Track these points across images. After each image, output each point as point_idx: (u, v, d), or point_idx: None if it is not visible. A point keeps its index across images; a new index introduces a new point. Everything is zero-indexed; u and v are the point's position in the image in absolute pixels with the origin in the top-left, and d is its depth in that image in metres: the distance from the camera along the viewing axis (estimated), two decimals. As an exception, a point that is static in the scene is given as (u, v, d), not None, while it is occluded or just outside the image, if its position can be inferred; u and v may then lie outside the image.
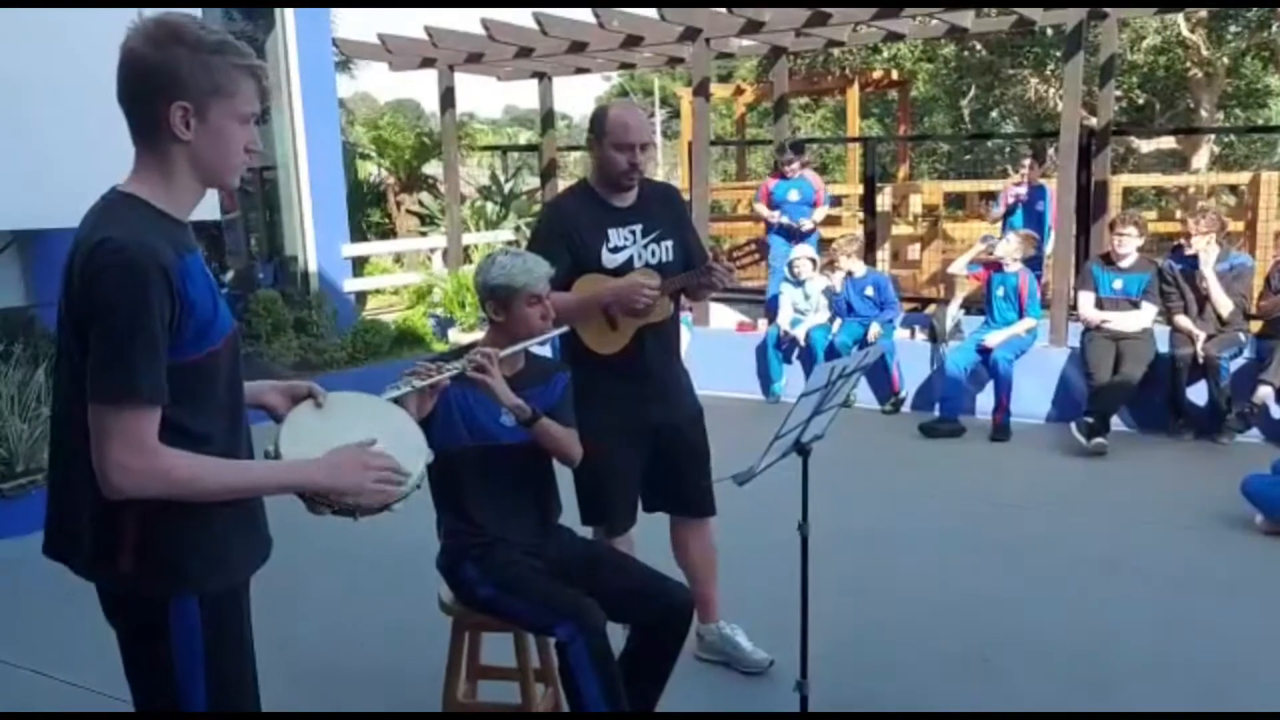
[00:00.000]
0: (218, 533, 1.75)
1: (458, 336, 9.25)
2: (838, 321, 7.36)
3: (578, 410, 2.84)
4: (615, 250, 3.12)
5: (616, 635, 2.70)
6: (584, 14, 8.53)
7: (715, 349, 7.72)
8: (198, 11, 6.25)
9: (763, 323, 8.04)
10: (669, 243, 3.21)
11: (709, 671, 3.45)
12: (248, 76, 1.74)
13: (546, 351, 3.10)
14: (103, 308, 1.61)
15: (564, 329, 2.81)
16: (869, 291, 7.29)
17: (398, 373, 2.37)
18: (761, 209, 8.79)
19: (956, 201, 13.57)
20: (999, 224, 8.28)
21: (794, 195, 8.47)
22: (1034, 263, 7.11)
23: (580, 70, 10.45)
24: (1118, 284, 6.36)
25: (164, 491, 1.65)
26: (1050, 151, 8.73)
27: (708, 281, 3.13)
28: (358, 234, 12.03)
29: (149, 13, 1.72)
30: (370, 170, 15.50)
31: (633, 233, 3.15)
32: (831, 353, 7.02)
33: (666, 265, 3.19)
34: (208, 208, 6.54)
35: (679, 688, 2.80)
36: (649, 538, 3.36)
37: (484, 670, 3.01)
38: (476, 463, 2.68)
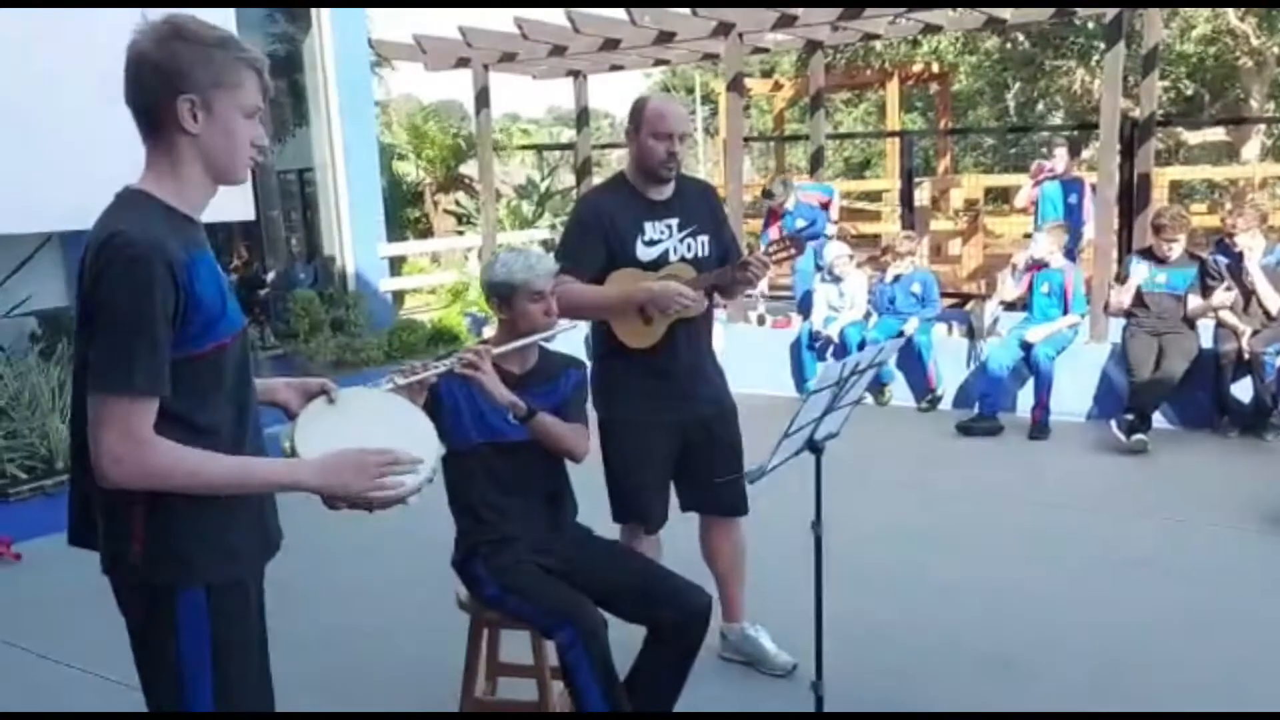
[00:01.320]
0: (226, 524, 1.77)
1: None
2: (873, 318, 7.29)
3: (610, 406, 2.81)
4: (650, 244, 3.09)
5: (637, 634, 2.70)
6: (617, 11, 8.52)
7: (750, 346, 7.67)
8: (232, 12, 6.34)
9: (797, 319, 7.98)
10: (705, 238, 3.17)
11: (725, 670, 3.42)
12: (249, 70, 1.77)
13: (580, 346, 3.08)
14: (107, 300, 1.64)
15: (572, 325, 2.79)
16: (915, 288, 7.21)
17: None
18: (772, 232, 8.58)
19: (1000, 196, 13.39)
20: (1030, 212, 8.14)
21: (801, 224, 8.26)
22: (1068, 256, 6.98)
23: (615, 67, 10.44)
24: (1161, 278, 6.24)
25: (155, 484, 1.66)
26: (1095, 144, 8.57)
27: (743, 278, 3.08)
28: (396, 234, 12.12)
29: (152, 13, 1.74)
30: (408, 170, 15.62)
31: (669, 227, 3.11)
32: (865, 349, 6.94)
33: (702, 260, 3.15)
34: (242, 208, 6.67)
35: (693, 685, 2.77)
36: (674, 536, 3.33)
37: (503, 668, 3.01)
38: (486, 460, 2.68)
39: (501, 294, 2.67)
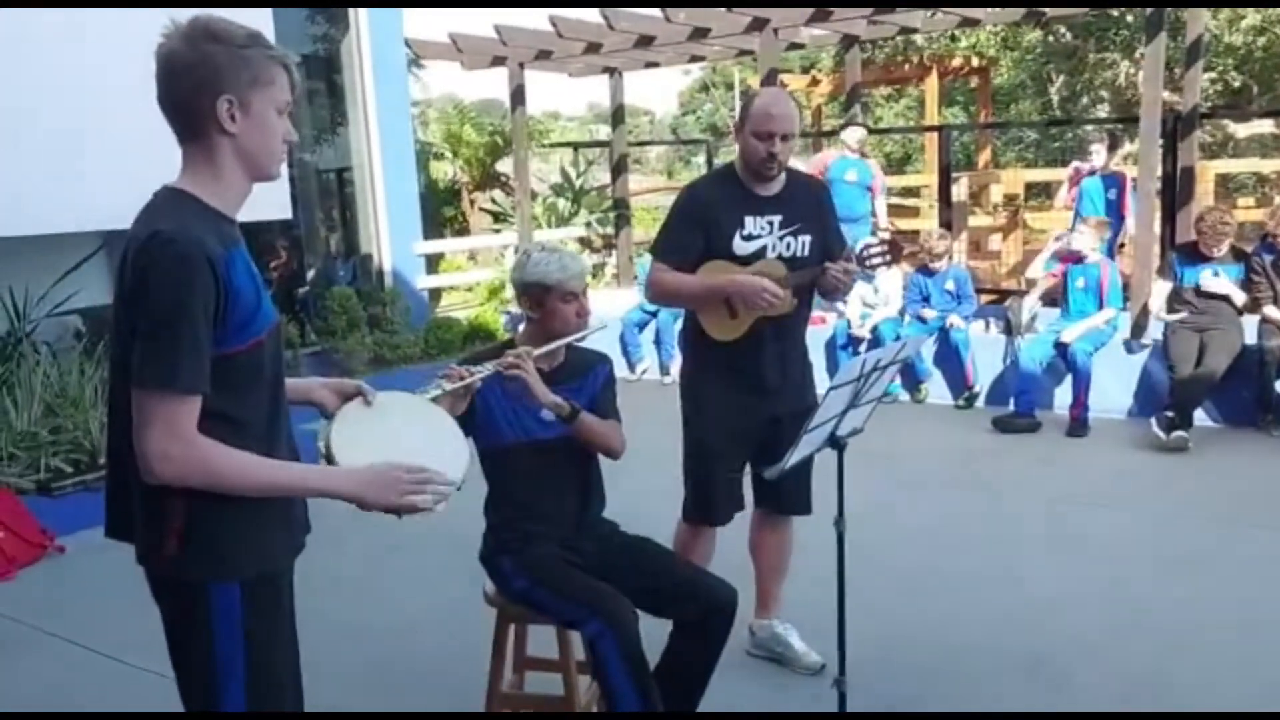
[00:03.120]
0: (260, 520, 1.79)
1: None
2: (909, 315, 7.23)
3: (695, 397, 2.79)
4: (749, 238, 3.06)
5: (661, 631, 2.70)
6: (651, 8, 8.53)
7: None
8: (269, 12, 6.42)
9: (831, 317, 7.94)
10: (807, 238, 3.12)
11: (751, 665, 3.41)
12: (279, 67, 1.79)
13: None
14: (150, 298, 1.66)
15: (602, 326, 2.80)
16: (949, 285, 7.14)
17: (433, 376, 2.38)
18: None
19: (1042, 190, 13.19)
20: (1070, 209, 8.03)
21: (851, 175, 8.15)
22: (1107, 252, 6.88)
23: (650, 64, 10.43)
24: (1205, 273, 6.14)
25: (200, 482, 1.68)
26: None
27: (830, 284, 3.04)
28: (432, 232, 12.21)
29: (179, 16, 1.77)
30: (445, 169, 15.71)
31: (770, 223, 3.08)
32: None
33: (802, 260, 3.10)
34: (280, 208, 6.76)
35: (718, 680, 2.76)
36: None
37: (530, 662, 3.02)
38: (518, 458, 2.69)
39: (534, 294, 2.68)
